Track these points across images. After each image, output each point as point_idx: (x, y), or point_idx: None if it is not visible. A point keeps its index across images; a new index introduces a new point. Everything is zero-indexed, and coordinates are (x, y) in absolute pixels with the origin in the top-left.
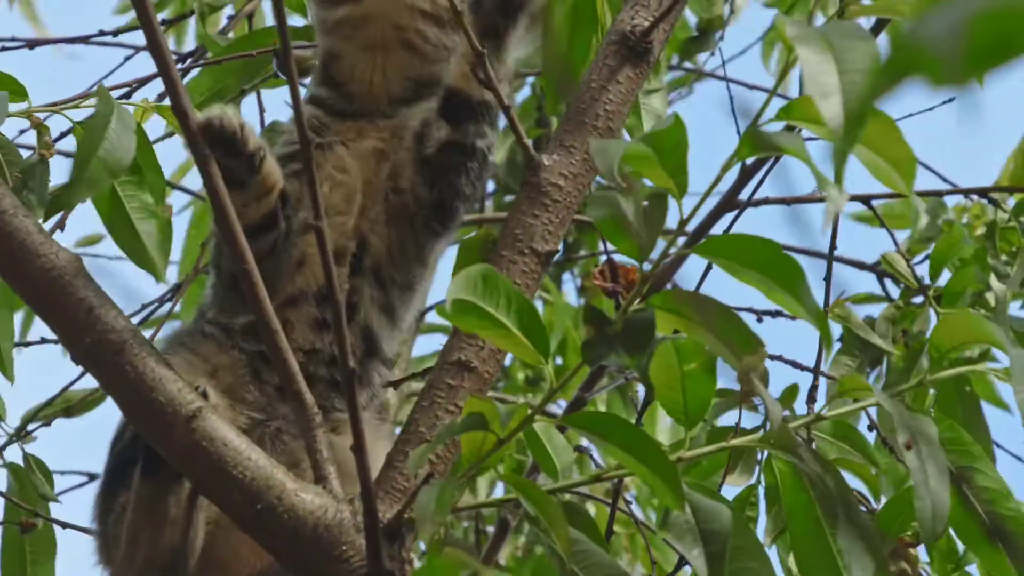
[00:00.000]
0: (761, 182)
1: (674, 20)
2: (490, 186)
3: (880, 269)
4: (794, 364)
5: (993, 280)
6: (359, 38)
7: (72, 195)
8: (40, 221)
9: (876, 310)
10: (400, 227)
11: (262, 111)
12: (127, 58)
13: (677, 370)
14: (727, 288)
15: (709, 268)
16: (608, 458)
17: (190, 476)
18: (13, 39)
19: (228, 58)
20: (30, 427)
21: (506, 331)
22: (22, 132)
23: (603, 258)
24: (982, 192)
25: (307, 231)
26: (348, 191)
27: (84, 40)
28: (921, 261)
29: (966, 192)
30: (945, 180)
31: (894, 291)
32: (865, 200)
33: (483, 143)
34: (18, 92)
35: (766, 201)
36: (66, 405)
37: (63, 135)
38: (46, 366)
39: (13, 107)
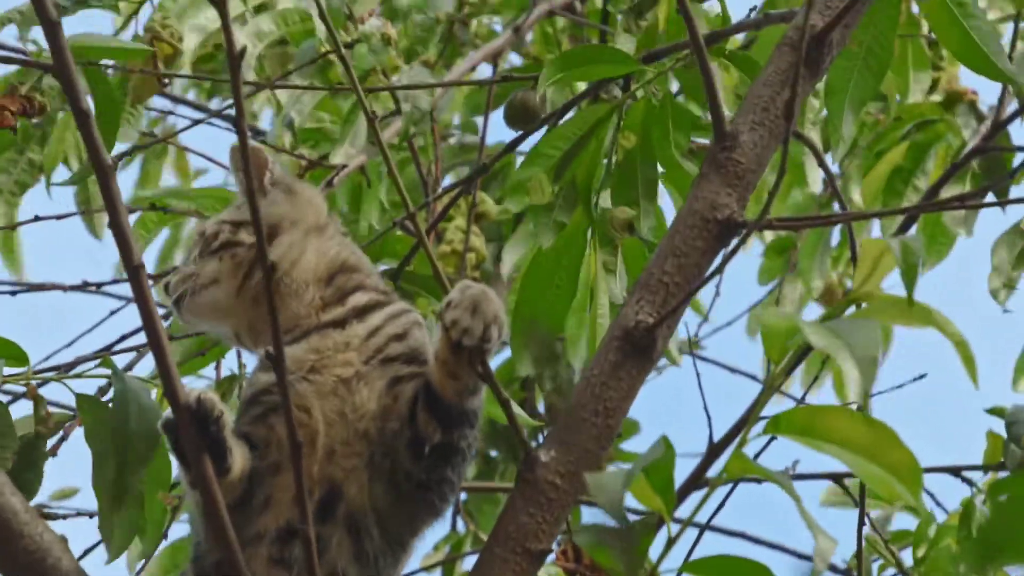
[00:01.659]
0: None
1: (679, 317)
2: None
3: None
4: None
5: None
6: (258, 327)
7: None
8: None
9: None
10: (389, 489)
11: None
12: (112, 312)
13: None
14: None
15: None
16: None
17: None
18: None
19: None
20: None
21: None
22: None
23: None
24: (956, 471)
25: (276, 475)
26: (310, 432)
27: (65, 288)
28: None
29: (940, 470)
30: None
31: None
32: (837, 478)
33: (465, 443)
34: (17, 357)
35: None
36: None
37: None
38: None
39: (9, 370)
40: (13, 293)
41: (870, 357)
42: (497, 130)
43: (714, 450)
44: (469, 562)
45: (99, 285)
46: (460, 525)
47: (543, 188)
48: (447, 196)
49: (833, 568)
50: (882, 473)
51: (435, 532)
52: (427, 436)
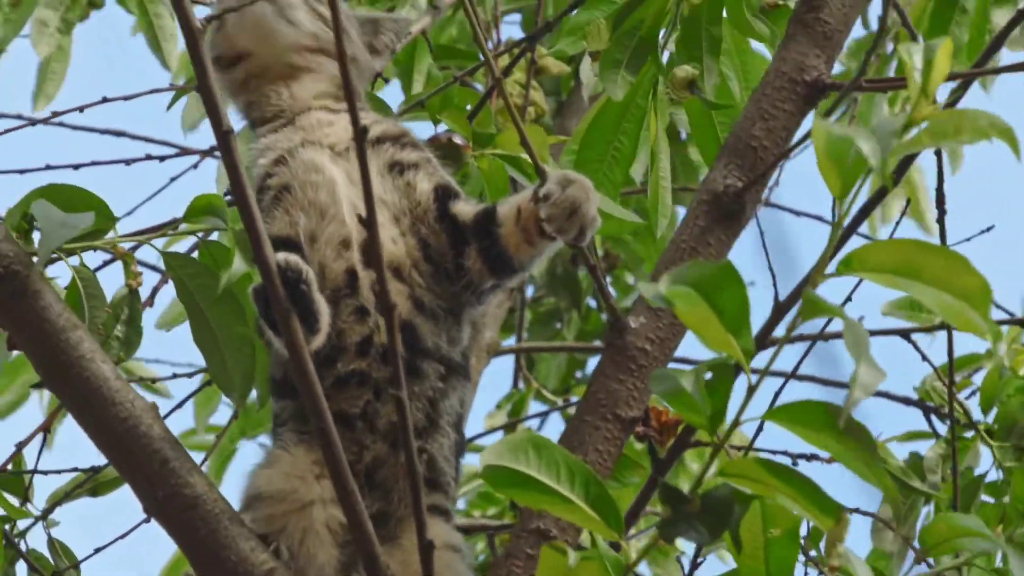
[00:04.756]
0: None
1: (768, 180)
2: None
3: (927, 405)
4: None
5: None
6: (266, 81)
7: None
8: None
9: (923, 447)
10: (425, 257)
11: None
12: (172, 178)
13: (760, 536)
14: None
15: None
16: None
17: None
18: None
19: None
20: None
21: (573, 506)
22: (105, 264)
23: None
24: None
25: (313, 243)
26: (328, 183)
27: (128, 161)
28: (969, 396)
29: (1014, 323)
30: (999, 307)
31: (940, 426)
32: (904, 334)
33: (513, 284)
34: (106, 216)
35: (800, 338)
36: (92, 485)
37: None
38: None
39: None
40: (76, 167)
41: (889, 131)
42: None
43: (781, 308)
44: (532, 424)
45: (162, 158)
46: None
47: (601, 34)
48: (500, 51)
49: (906, 400)
50: (954, 301)
51: (497, 389)
52: (476, 279)
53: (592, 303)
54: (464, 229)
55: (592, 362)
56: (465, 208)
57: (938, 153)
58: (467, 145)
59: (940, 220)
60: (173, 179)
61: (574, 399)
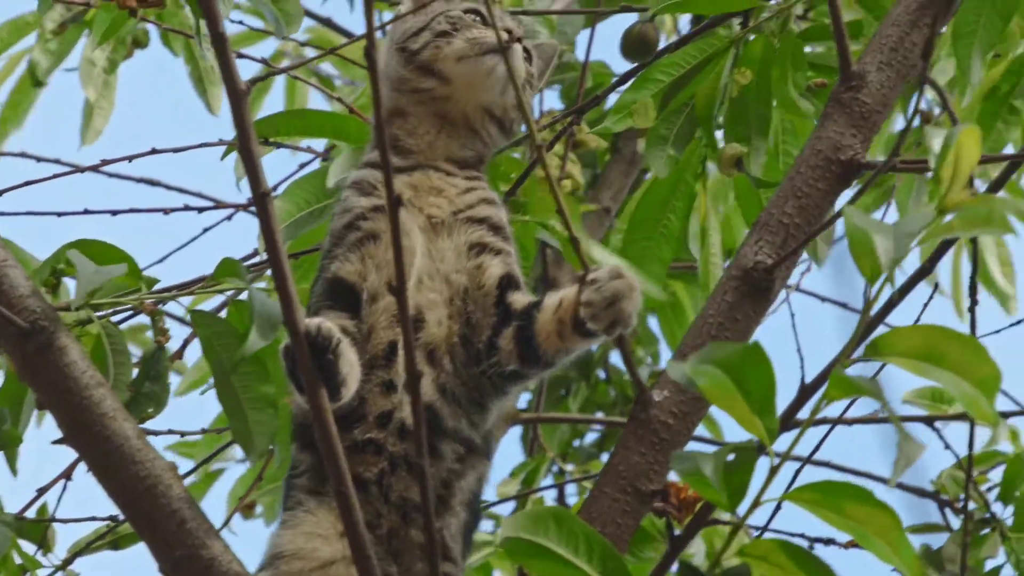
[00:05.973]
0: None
1: (798, 258)
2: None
3: (942, 498)
4: None
5: None
6: (434, 108)
7: None
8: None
9: (935, 540)
10: (463, 342)
11: None
12: (205, 229)
13: None
14: None
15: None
16: None
17: None
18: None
19: None
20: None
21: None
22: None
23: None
24: None
25: (373, 303)
26: (409, 252)
27: (166, 211)
28: (989, 490)
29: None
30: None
31: (954, 520)
32: (928, 421)
33: (537, 378)
34: (135, 273)
35: (823, 421)
36: (113, 538)
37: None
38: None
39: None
40: (114, 213)
41: (908, 233)
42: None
43: (806, 390)
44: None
45: (201, 210)
46: None
47: (648, 113)
48: (546, 125)
49: (921, 491)
50: (971, 389)
51: (510, 458)
52: (504, 360)
53: (601, 374)
54: (512, 314)
55: (591, 435)
56: (521, 298)
57: (973, 241)
58: None
59: (971, 309)
60: (206, 229)
61: (570, 467)
